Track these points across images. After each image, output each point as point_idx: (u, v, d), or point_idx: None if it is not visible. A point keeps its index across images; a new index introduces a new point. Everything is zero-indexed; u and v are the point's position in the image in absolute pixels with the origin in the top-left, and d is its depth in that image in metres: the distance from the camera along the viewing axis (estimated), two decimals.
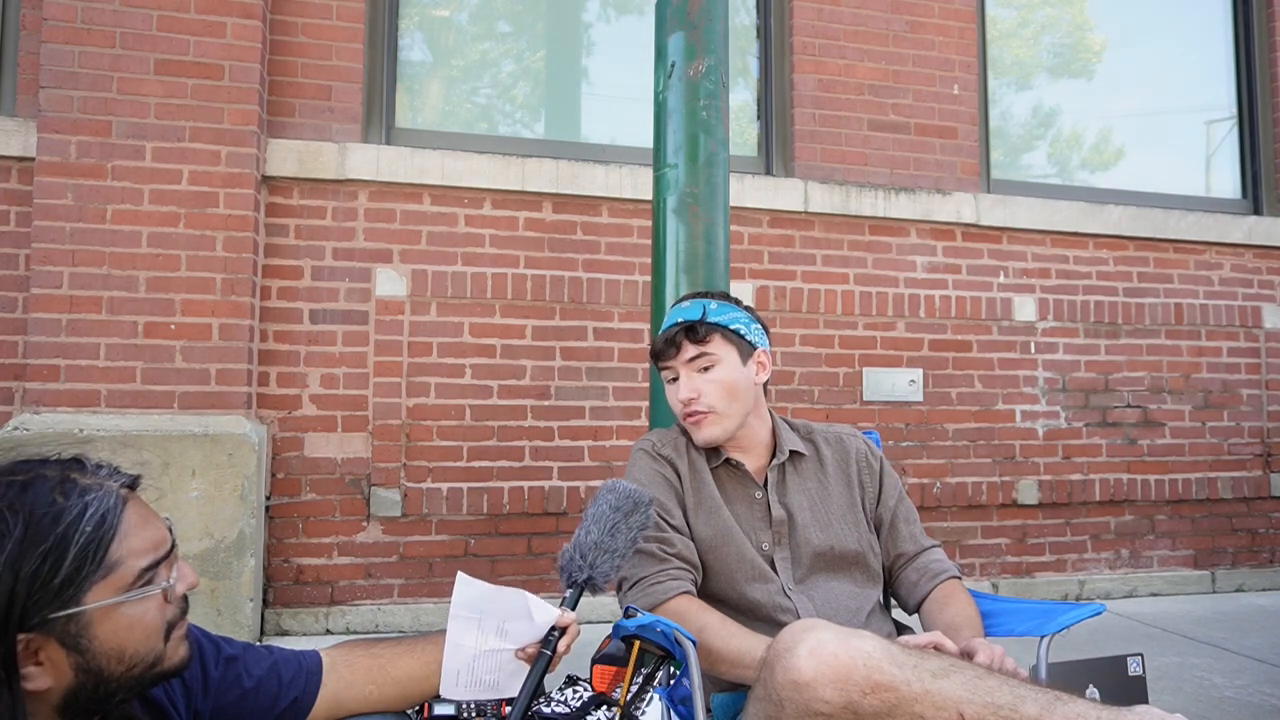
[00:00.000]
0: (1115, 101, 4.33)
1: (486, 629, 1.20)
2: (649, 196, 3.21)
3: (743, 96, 3.85)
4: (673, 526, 1.53)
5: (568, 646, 1.24)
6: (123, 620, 0.89)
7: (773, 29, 3.77)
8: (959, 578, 1.63)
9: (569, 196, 3.41)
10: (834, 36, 3.72)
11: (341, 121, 3.25)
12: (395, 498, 3.17)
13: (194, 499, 2.80)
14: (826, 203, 3.63)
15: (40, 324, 2.85)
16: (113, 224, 2.91)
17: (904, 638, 1.41)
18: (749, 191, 3.54)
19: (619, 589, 1.52)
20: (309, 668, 1.17)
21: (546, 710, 1.99)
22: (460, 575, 1.19)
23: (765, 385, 1.66)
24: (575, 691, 2.08)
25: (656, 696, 1.44)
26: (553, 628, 1.22)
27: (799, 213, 3.63)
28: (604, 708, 1.99)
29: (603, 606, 3.27)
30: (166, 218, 2.95)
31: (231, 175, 3.00)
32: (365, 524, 3.16)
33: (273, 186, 3.17)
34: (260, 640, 2.97)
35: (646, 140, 3.10)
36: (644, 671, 1.46)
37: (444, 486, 3.22)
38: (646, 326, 3.39)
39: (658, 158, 2.37)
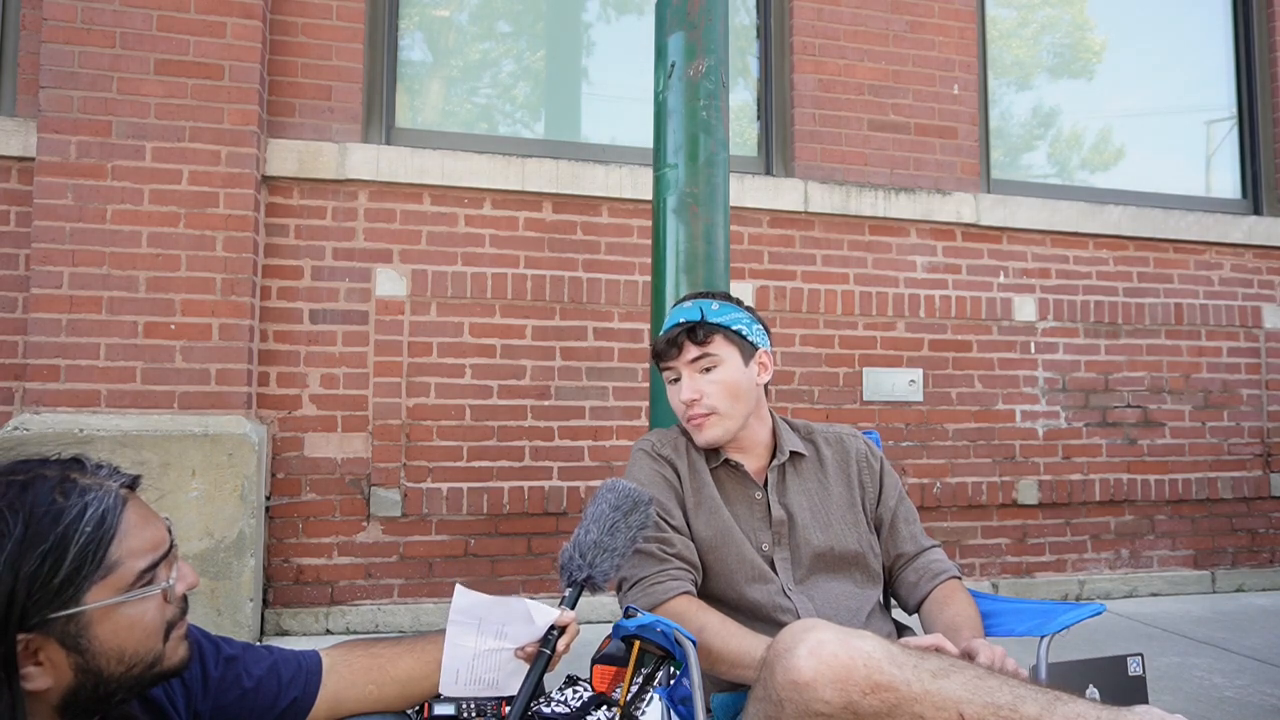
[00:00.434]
0: (1115, 101, 4.33)
1: (486, 631, 1.20)
2: (649, 196, 3.21)
3: (743, 96, 3.85)
4: (673, 527, 1.53)
5: (567, 645, 1.24)
6: (122, 620, 0.89)
7: (773, 29, 3.77)
8: (959, 578, 1.63)
9: (569, 196, 3.41)
10: (834, 36, 3.72)
11: (341, 121, 3.25)
12: (395, 498, 3.17)
13: (194, 499, 2.80)
14: (826, 203, 3.63)
15: (40, 324, 2.85)
16: (113, 224, 2.91)
17: (905, 639, 1.41)
18: (749, 191, 3.54)
19: (619, 589, 1.52)
20: (309, 668, 1.17)
21: (546, 710, 1.99)
22: (458, 586, 1.19)
23: (766, 385, 1.66)
24: (575, 691, 2.08)
25: (656, 696, 1.44)
26: (552, 626, 1.22)
27: (799, 213, 3.63)
28: (604, 708, 1.99)
29: (603, 606, 3.27)
30: (166, 218, 2.95)
31: (231, 175, 3.00)
32: (365, 524, 3.16)
33: (273, 186, 3.17)
34: (260, 640, 2.97)
35: (646, 140, 3.10)
36: (644, 671, 1.46)
37: (444, 486, 3.22)
38: (646, 326, 3.39)
39: (658, 158, 2.37)
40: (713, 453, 1.62)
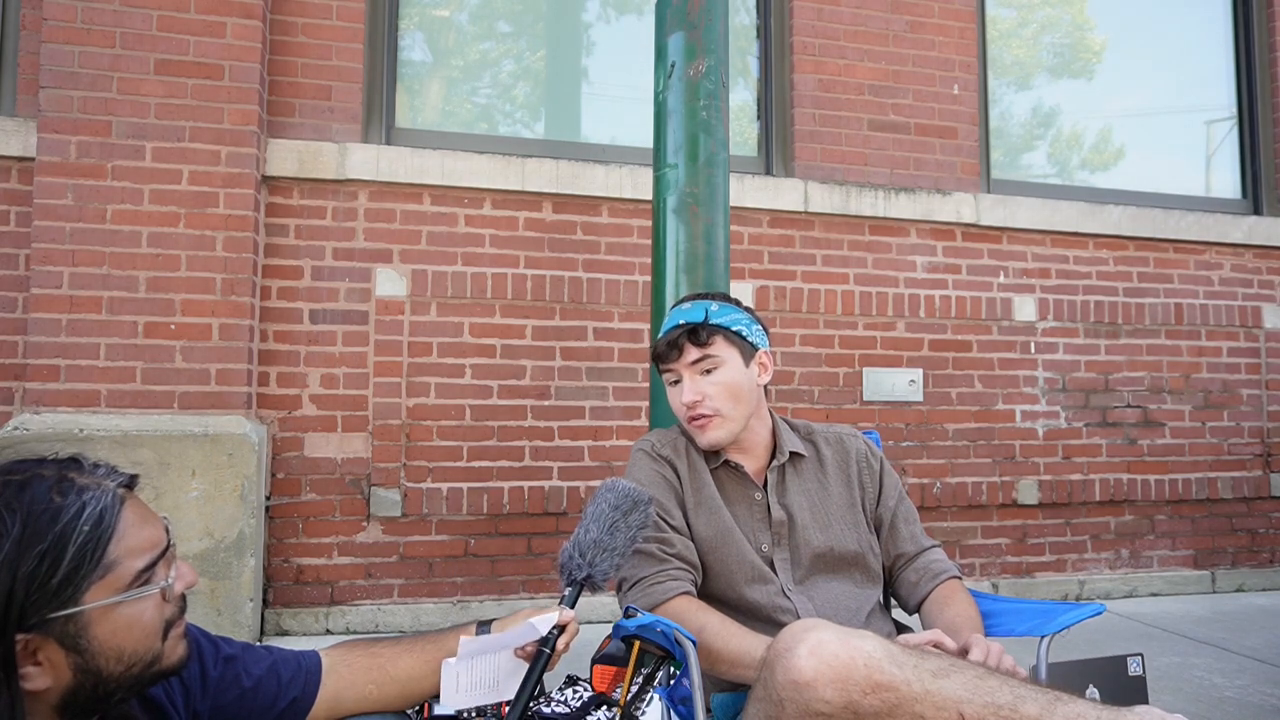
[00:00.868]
0: (1115, 101, 4.33)
1: (487, 649, 1.22)
2: (649, 196, 3.21)
3: (743, 96, 3.85)
4: (672, 527, 1.53)
5: (567, 644, 1.24)
6: (121, 620, 0.89)
7: (773, 29, 3.77)
8: (959, 578, 1.63)
9: (569, 196, 3.41)
10: (834, 36, 3.72)
11: (341, 121, 3.25)
12: (395, 498, 3.17)
13: (194, 499, 2.80)
14: (826, 203, 3.63)
15: (40, 324, 2.85)
16: (113, 224, 2.91)
17: (903, 636, 1.41)
18: (749, 191, 3.54)
19: (619, 589, 1.52)
20: (308, 667, 1.17)
21: (546, 710, 1.99)
22: (461, 639, 1.21)
23: (765, 386, 1.66)
24: (575, 691, 2.08)
25: (656, 696, 1.44)
26: (552, 625, 1.22)
27: (799, 213, 3.63)
28: (604, 708, 1.99)
29: (603, 606, 3.27)
30: (166, 218, 2.95)
31: (231, 175, 3.00)
32: (365, 524, 3.16)
33: (273, 186, 3.17)
34: (260, 640, 2.97)
35: (646, 140, 3.10)
36: (644, 671, 1.46)
37: (444, 486, 3.22)
38: (646, 326, 3.39)
39: (658, 158, 2.37)
40: (713, 453, 1.62)
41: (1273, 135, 4.30)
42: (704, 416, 1.56)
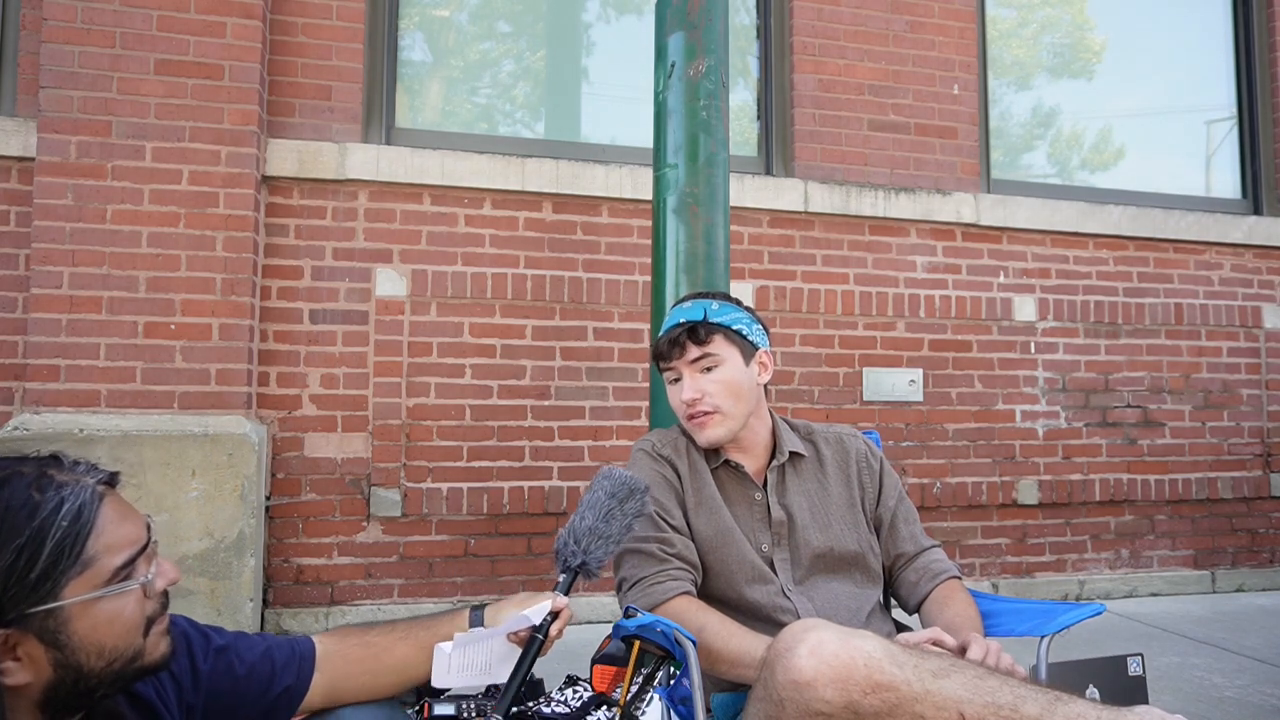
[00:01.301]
0: (1115, 101, 4.33)
1: (479, 637, 1.23)
2: (649, 196, 3.21)
3: (743, 96, 3.85)
4: (672, 526, 1.53)
5: (560, 630, 1.25)
6: (101, 615, 0.89)
7: (773, 29, 3.77)
8: (959, 578, 1.63)
9: (569, 196, 3.41)
10: (834, 36, 3.72)
11: (341, 121, 3.25)
12: (395, 498, 3.17)
13: (194, 499, 2.80)
14: (826, 203, 3.63)
15: (40, 324, 2.85)
16: (113, 224, 2.91)
17: (903, 635, 1.41)
18: (749, 191, 3.54)
19: (619, 589, 1.52)
20: (302, 653, 1.18)
21: (546, 710, 1.99)
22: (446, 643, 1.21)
23: (765, 385, 1.66)
24: (575, 691, 2.08)
25: (656, 696, 1.44)
26: (546, 612, 1.23)
27: (799, 213, 3.63)
28: (604, 708, 1.99)
29: (603, 606, 3.27)
30: (166, 218, 2.95)
31: (231, 175, 2.99)
32: (365, 524, 3.16)
33: (273, 186, 3.17)
34: None
35: (646, 140, 3.10)
36: (644, 671, 1.46)
37: (444, 486, 3.22)
38: (646, 326, 3.39)
39: (658, 158, 2.37)
40: (713, 453, 1.62)
41: (1273, 135, 4.30)
42: (703, 414, 1.56)
